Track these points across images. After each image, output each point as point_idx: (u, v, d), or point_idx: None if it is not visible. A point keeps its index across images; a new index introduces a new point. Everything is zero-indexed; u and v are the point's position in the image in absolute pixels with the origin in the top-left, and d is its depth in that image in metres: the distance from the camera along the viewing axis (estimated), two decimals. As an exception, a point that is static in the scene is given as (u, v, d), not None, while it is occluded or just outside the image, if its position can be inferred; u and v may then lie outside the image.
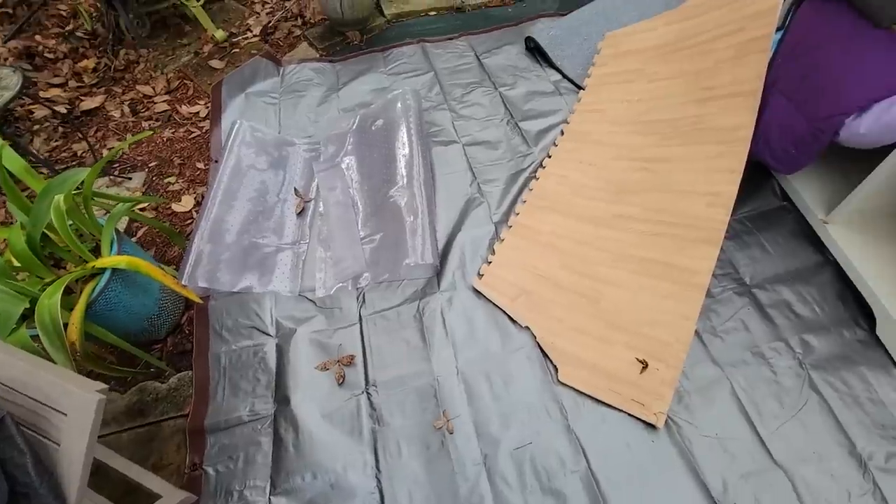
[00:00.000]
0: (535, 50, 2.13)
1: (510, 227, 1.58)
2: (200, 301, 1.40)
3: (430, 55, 2.22)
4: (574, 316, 1.34)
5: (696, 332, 1.31)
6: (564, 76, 2.02)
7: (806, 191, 1.44)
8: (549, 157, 1.74)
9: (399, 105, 1.88)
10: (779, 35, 1.36)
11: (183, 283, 1.42)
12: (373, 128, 1.88)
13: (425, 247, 1.48)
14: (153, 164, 1.99)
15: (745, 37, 1.42)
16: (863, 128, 1.12)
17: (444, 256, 1.52)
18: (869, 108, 1.10)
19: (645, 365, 1.21)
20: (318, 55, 2.32)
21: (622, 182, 1.53)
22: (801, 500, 1.07)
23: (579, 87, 1.94)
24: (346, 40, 2.37)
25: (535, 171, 1.71)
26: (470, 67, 2.16)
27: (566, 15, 2.21)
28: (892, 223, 1.32)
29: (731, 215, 1.51)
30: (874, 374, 1.21)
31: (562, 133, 1.80)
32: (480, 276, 1.47)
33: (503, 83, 2.06)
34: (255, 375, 1.34)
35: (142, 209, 1.81)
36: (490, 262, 1.49)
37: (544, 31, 2.15)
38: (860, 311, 1.30)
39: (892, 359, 1.22)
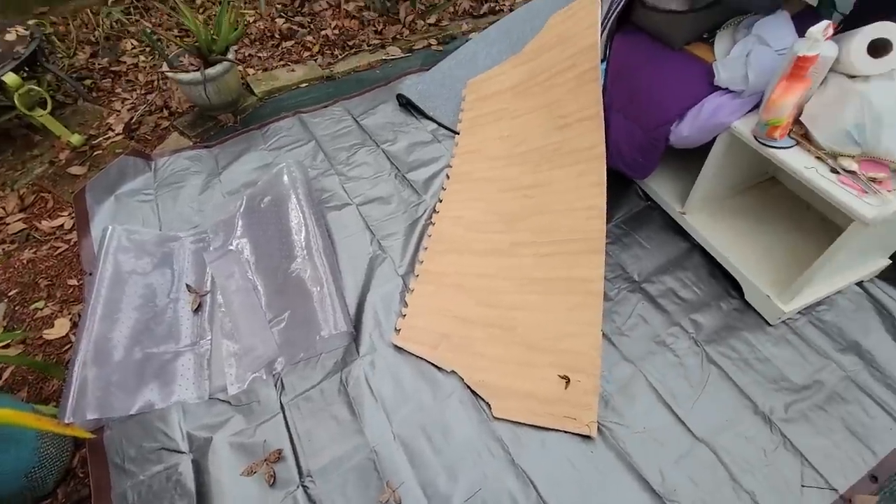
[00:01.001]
0: (408, 105, 2.25)
1: (417, 276, 1.60)
2: (92, 436, 1.24)
3: (308, 125, 2.25)
4: (494, 348, 1.37)
5: (605, 336, 1.40)
6: (439, 124, 2.14)
7: (662, 189, 1.64)
8: (440, 201, 1.81)
9: (285, 178, 1.86)
10: (604, 65, 1.57)
11: (67, 420, 1.24)
12: (261, 205, 1.84)
13: (336, 315, 1.45)
14: (13, 291, 1.76)
15: (579, 70, 1.62)
16: (685, 131, 1.31)
17: (357, 320, 1.50)
18: (684, 115, 1.30)
19: (567, 380, 1.26)
20: (191, 143, 2.24)
21: (510, 212, 1.63)
22: (728, 469, 1.16)
23: (455, 132, 2.07)
24: (220, 123, 2.33)
25: (430, 217, 1.77)
26: (350, 130, 2.22)
27: (430, 70, 2.37)
28: (732, 204, 1.54)
29: (608, 222, 1.67)
30: (754, 336, 1.37)
31: (447, 177, 1.90)
32: (398, 331, 1.46)
33: (384, 140, 2.13)
34: (173, 503, 1.19)
35: (5, 346, 1.58)
36: (404, 315, 1.49)
37: (413, 86, 2.29)
38: (729, 283, 1.48)
39: (763, 318, 1.39)
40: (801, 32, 1.22)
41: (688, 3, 1.20)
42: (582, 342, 1.29)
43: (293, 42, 2.77)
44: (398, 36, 2.79)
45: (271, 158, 2.12)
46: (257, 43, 2.79)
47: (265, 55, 2.71)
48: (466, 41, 2.49)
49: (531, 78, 1.84)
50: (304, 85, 2.53)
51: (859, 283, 1.42)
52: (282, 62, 2.66)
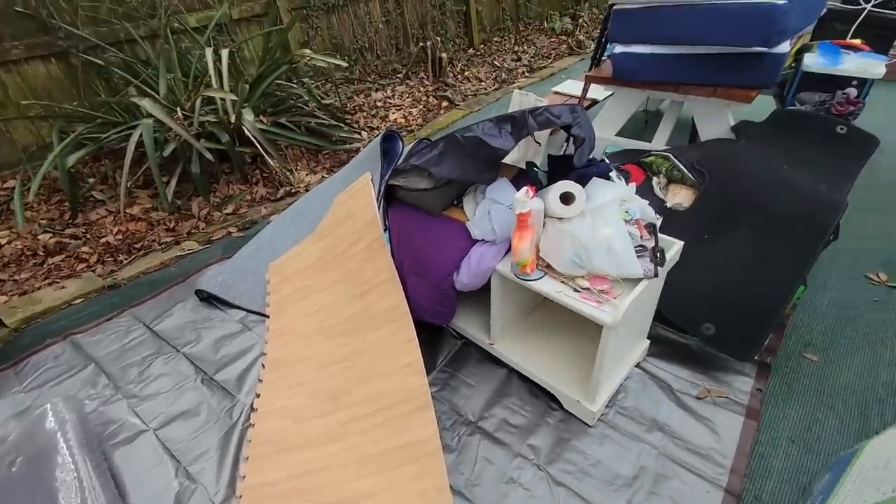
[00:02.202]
0: (210, 298, 2.12)
1: (240, 497, 1.35)
2: None
3: (84, 346, 1.92)
4: (342, 560, 1.18)
5: (457, 492, 1.34)
6: (248, 310, 2.05)
7: (470, 326, 1.79)
8: (259, 395, 1.65)
9: (48, 424, 1.49)
10: (387, 234, 1.76)
11: None
12: (13, 470, 1.41)
13: None
14: None
15: (367, 241, 1.77)
16: (465, 279, 1.49)
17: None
18: (459, 266, 1.49)
19: (427, 566, 1.13)
20: None
21: (333, 389, 1.56)
22: None
23: (265, 316, 1.99)
24: (-50, 374, 1.83)
25: (249, 419, 1.58)
26: (142, 340, 1.96)
27: (231, 258, 2.33)
28: (528, 324, 1.75)
29: (434, 369, 1.72)
30: (582, 442, 1.47)
31: (263, 366, 1.77)
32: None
33: (186, 342, 1.93)
34: None
35: None
36: (226, 560, 1.21)
37: (213, 278, 2.20)
38: (548, 397, 1.61)
39: (583, 422, 1.52)
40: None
41: (432, 182, 1.46)
42: (433, 513, 1.21)
43: (63, 256, 2.48)
44: (194, 230, 2.73)
45: (31, 400, 1.71)
46: (12, 265, 2.41)
47: (24, 277, 2.34)
48: (267, 224, 2.57)
49: (328, 253, 1.94)
50: (78, 301, 2.21)
51: (638, 365, 1.69)
52: (47, 281, 2.32)
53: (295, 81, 3.66)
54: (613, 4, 2.05)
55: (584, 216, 1.35)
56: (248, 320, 2.03)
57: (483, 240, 1.49)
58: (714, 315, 1.57)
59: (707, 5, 1.80)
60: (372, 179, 1.91)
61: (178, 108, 2.84)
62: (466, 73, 4.93)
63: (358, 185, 1.96)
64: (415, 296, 1.62)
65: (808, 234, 1.58)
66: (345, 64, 3.80)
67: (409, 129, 3.88)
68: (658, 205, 1.89)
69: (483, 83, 4.77)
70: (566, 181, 1.38)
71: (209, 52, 2.91)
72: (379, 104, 4.25)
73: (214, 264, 2.39)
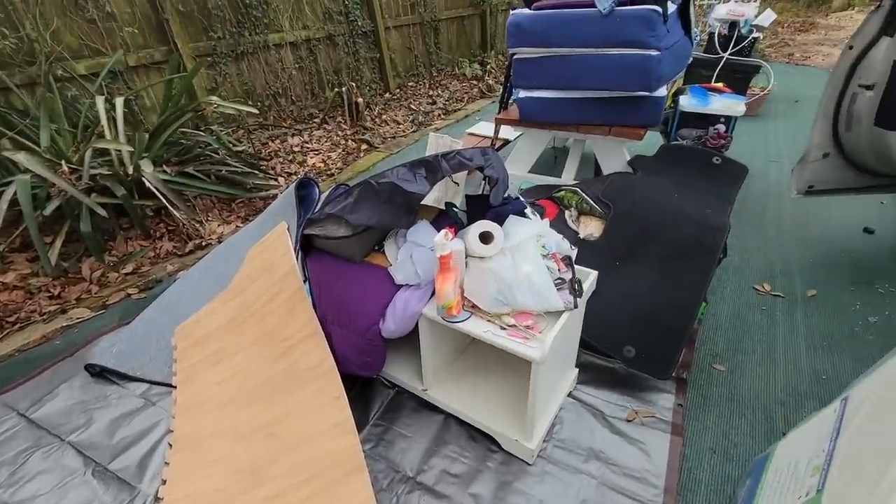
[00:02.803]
0: (104, 372, 1.86)
1: None
2: None
3: (-65, 451, 1.58)
4: None
5: (398, 562, 1.24)
6: (151, 382, 1.83)
7: (402, 374, 1.72)
8: (165, 482, 1.45)
9: None
10: (308, 285, 1.67)
11: None
12: None
13: None
14: None
15: (287, 294, 1.67)
16: (392, 326, 1.45)
17: None
18: (384, 313, 1.44)
19: None
20: None
21: (253, 462, 1.41)
22: None
23: (172, 387, 1.78)
24: None
25: (153, 511, 1.37)
26: (15, 432, 1.66)
27: (129, 324, 2.08)
28: (460, 365, 1.72)
29: (365, 425, 1.63)
30: (523, 482, 1.44)
31: (170, 445, 1.56)
32: None
33: (73, 428, 1.66)
34: None
35: None
36: None
37: (108, 349, 1.94)
38: (487, 440, 1.57)
39: (524, 461, 1.49)
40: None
41: (350, 230, 1.42)
42: (372, 591, 1.10)
43: None
44: (85, 295, 2.42)
45: None
46: None
47: None
48: (173, 282, 2.35)
49: (244, 311, 1.80)
50: (-72, 394, 1.84)
51: (570, 394, 1.72)
52: None
53: (203, 129, 3.49)
54: (514, 53, 2.21)
55: (504, 254, 1.38)
56: (151, 393, 1.80)
57: (407, 284, 1.46)
58: (633, 337, 1.65)
59: (592, 56, 2.00)
60: (288, 228, 1.83)
61: (64, 162, 2.57)
62: (384, 117, 5.02)
63: (273, 236, 1.86)
64: (340, 348, 1.53)
65: (703, 256, 1.74)
66: (255, 110, 3.70)
67: (329, 172, 3.83)
68: (572, 236, 2.00)
69: (401, 126, 4.87)
70: (484, 221, 1.41)
71: (100, 100, 2.69)
72: (296, 149, 4.16)
73: (109, 333, 2.12)
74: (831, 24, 10.09)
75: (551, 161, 3.55)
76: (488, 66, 6.65)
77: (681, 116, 2.71)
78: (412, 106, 5.40)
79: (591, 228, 1.97)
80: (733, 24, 3.28)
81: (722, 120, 2.63)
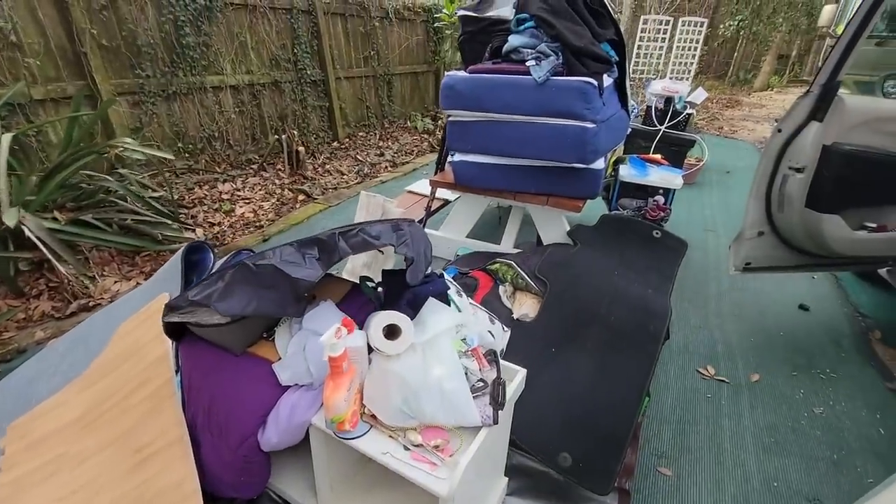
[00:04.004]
0: None
1: None
2: None
3: None
4: None
5: None
6: (-36, 500, 1.40)
7: (292, 488, 1.40)
8: None
9: None
10: (179, 377, 1.36)
11: None
12: None
13: None
14: None
15: (154, 386, 1.35)
16: (273, 438, 1.15)
17: None
18: (264, 421, 1.15)
19: None
20: None
21: None
22: None
23: (-10, 507, 1.36)
24: None
25: None
26: None
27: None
28: (364, 479, 1.43)
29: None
30: None
31: None
32: None
33: None
34: None
35: None
36: None
37: (-86, 452, 1.50)
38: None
39: None
40: (356, 312, 1.35)
41: (227, 316, 1.15)
42: None
43: None
44: (-85, 370, 1.95)
45: None
46: None
47: None
48: (35, 353, 1.93)
49: (100, 404, 1.44)
50: None
51: (499, 508, 1.45)
52: None
53: (113, 172, 3.14)
54: (449, 115, 2.09)
55: (413, 351, 1.14)
56: (-42, 517, 1.37)
57: (296, 384, 1.19)
58: (569, 442, 1.44)
59: (526, 124, 1.91)
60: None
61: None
62: (328, 167, 4.83)
63: (149, 311, 1.55)
64: (210, 464, 1.21)
65: (645, 346, 1.58)
66: (170, 156, 3.38)
67: (258, 224, 3.53)
68: (506, 315, 1.80)
69: (345, 176, 4.68)
70: (391, 311, 1.18)
71: (-19, 136, 2.33)
72: (225, 196, 3.85)
73: (-70, 424, 1.67)
74: (754, 102, 11.14)
75: (495, 221, 3.43)
76: (440, 121, 6.71)
77: (621, 186, 2.67)
78: (359, 157, 5.26)
79: (525, 307, 1.79)
80: (669, 100, 3.41)
81: (661, 192, 2.61)
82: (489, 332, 1.58)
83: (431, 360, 1.12)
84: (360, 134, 6.01)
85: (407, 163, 5.30)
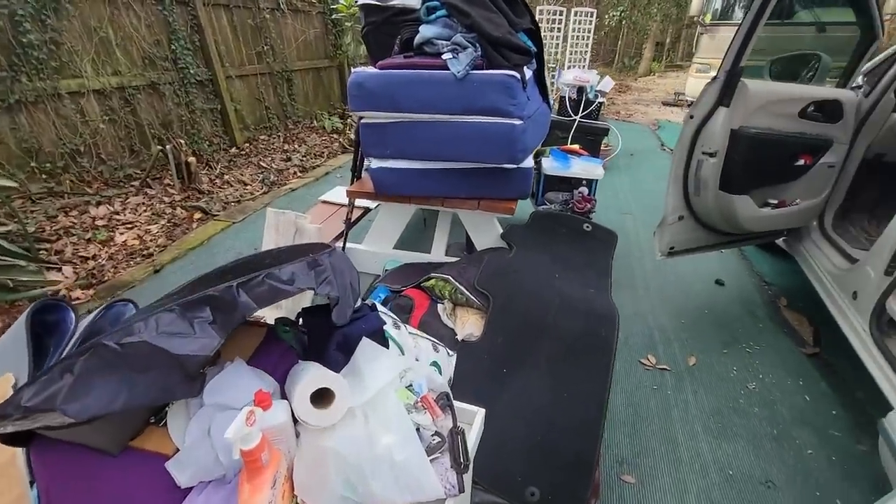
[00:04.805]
0: None
1: None
2: None
3: None
4: None
5: None
6: None
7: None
8: None
9: None
10: (35, 492, 1.01)
11: None
12: None
13: None
14: None
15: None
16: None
17: None
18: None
19: None
20: None
21: None
22: None
23: None
24: None
25: None
26: None
27: None
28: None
29: None
30: None
31: None
32: None
33: None
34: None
35: None
36: None
37: None
38: None
39: None
40: (274, 367, 1.10)
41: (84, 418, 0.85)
42: None
43: None
44: None
45: None
46: None
47: None
48: None
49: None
50: None
51: (465, 562, 1.29)
52: None
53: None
54: (361, 117, 1.86)
55: (352, 417, 0.93)
56: None
57: (204, 481, 0.92)
58: (534, 474, 1.31)
59: (448, 124, 1.75)
60: (16, 383, 1.16)
61: None
62: (227, 177, 4.32)
63: None
64: None
65: (599, 355, 1.50)
66: (11, 184, 2.76)
67: (145, 252, 3.01)
68: (449, 336, 1.64)
69: (249, 187, 4.22)
70: (317, 368, 0.96)
71: None
72: (100, 222, 3.26)
73: None
74: (641, 87, 12.04)
75: (420, 224, 3.25)
76: (349, 120, 6.35)
77: (546, 180, 2.62)
78: (263, 163, 4.78)
79: (469, 326, 1.64)
80: (581, 89, 3.45)
81: (584, 183, 2.60)
82: (435, 362, 1.40)
83: (376, 426, 0.92)
84: (262, 137, 5.48)
85: (318, 166, 4.93)
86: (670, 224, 2.32)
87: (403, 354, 1.27)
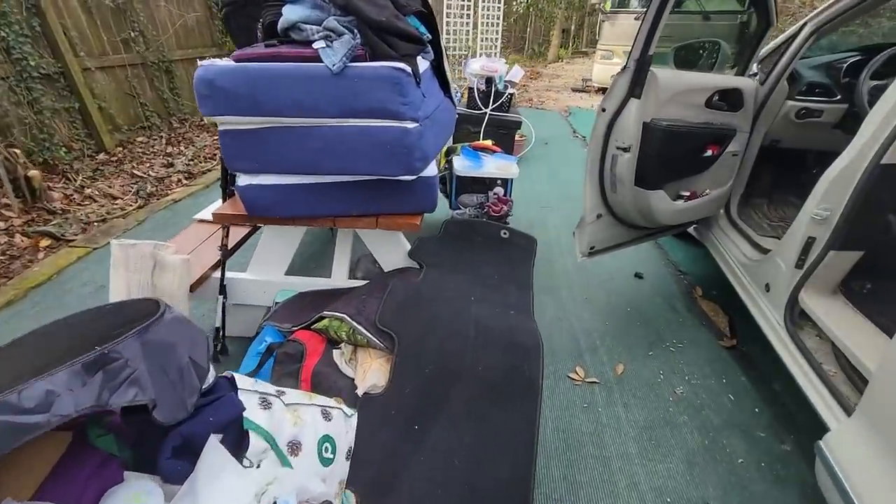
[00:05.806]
0: None
1: None
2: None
3: None
4: None
5: None
6: None
7: None
8: None
9: None
10: None
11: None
12: None
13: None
14: None
15: None
16: None
17: None
18: None
19: None
20: None
21: None
22: None
23: None
24: None
25: None
26: None
27: None
28: None
29: None
30: None
31: None
32: None
33: None
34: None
35: None
36: None
37: None
38: None
39: None
40: (83, 488, 0.76)
41: None
42: None
43: None
44: None
45: None
46: None
47: None
48: None
49: None
50: None
51: None
52: None
53: None
54: (220, 123, 1.48)
55: None
56: None
57: None
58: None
59: (326, 129, 1.43)
60: None
61: None
62: (90, 191, 3.62)
63: None
64: None
65: (524, 392, 1.30)
66: None
67: (-31, 297, 2.37)
68: (349, 388, 1.36)
69: (119, 201, 3.57)
70: (142, 488, 0.64)
71: None
72: None
73: None
74: (551, 73, 12.29)
75: (326, 235, 2.89)
76: (246, 115, 5.71)
77: (458, 181, 2.39)
78: (138, 171, 4.09)
79: (372, 376, 1.36)
80: (489, 80, 3.26)
81: (499, 182, 2.41)
82: (325, 437, 1.12)
83: None
84: (140, 140, 4.73)
85: (209, 170, 4.33)
86: (589, 223, 2.20)
87: (274, 443, 0.97)
